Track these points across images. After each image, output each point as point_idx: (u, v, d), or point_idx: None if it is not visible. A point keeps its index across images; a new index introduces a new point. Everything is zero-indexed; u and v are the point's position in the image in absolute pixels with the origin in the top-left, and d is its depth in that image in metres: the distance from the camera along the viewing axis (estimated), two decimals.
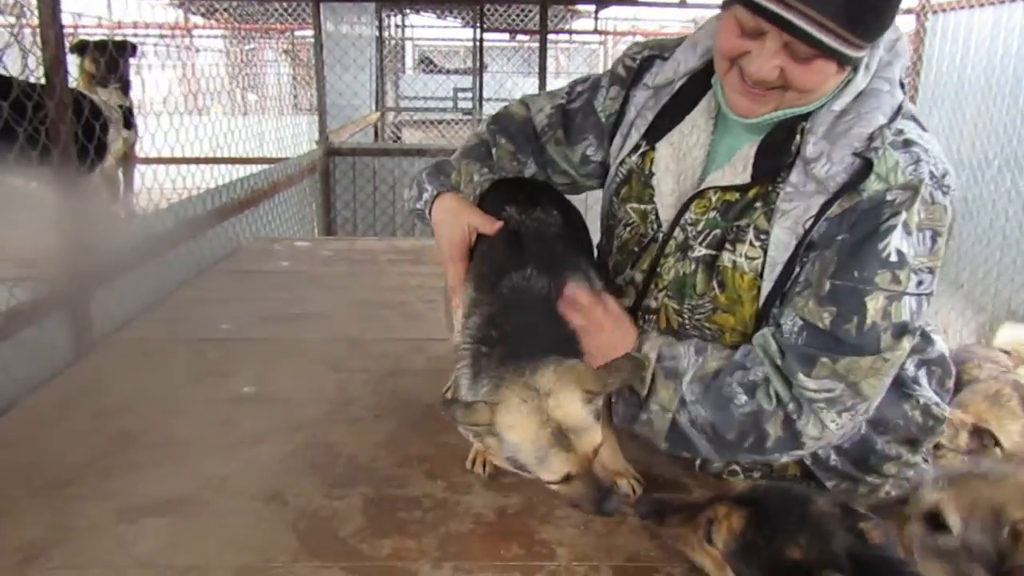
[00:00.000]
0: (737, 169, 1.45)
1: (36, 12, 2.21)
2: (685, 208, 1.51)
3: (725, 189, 1.47)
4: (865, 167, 1.33)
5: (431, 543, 1.40)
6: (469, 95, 11.51)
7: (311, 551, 1.37)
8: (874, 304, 1.31)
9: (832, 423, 1.37)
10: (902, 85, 1.44)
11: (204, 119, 4.84)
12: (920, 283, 1.34)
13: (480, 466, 1.78)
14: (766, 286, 1.42)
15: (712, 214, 1.48)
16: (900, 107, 1.39)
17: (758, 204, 1.43)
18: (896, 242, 1.31)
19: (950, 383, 1.66)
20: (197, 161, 4.78)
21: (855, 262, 1.33)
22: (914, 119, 1.41)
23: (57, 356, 2.17)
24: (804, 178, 1.38)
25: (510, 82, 12.77)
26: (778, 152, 1.42)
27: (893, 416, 1.56)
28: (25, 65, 2.70)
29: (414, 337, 2.45)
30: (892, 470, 1.61)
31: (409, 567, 1.33)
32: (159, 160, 4.50)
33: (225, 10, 10.20)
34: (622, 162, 1.65)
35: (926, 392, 1.59)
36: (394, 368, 2.20)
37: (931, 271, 1.34)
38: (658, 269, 1.56)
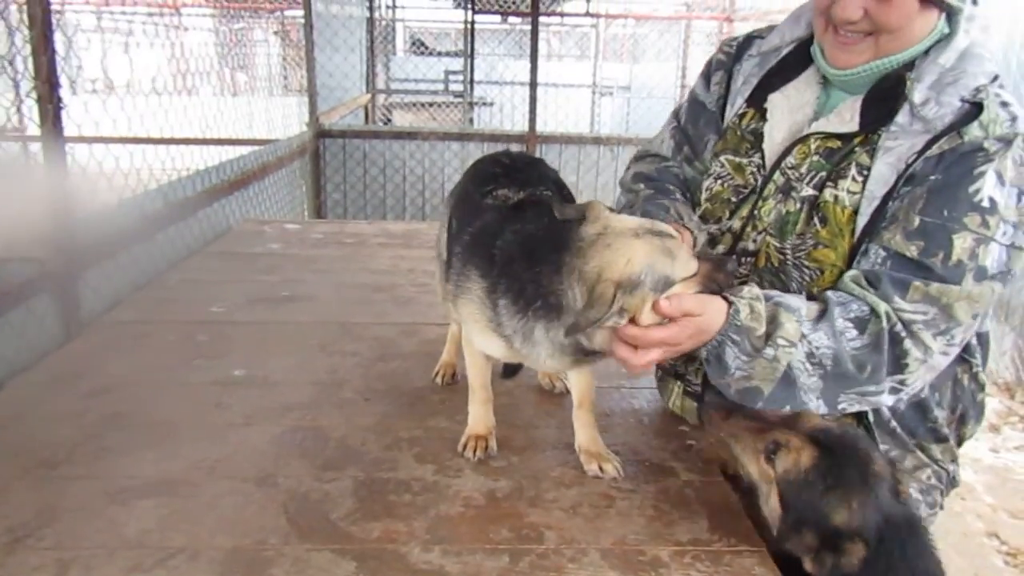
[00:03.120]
0: (844, 118, 1.52)
1: None
2: (787, 153, 1.57)
3: (828, 136, 1.53)
4: (974, 110, 1.40)
5: (421, 526, 1.41)
6: (460, 77, 11.46)
7: (301, 533, 1.38)
8: (961, 243, 1.36)
9: (933, 343, 1.38)
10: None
11: (193, 99, 4.81)
12: (1005, 233, 1.37)
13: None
14: (861, 220, 1.47)
15: (815, 158, 1.54)
16: (996, 76, 1.46)
17: (858, 148, 1.50)
18: (989, 188, 1.36)
19: (982, 397, 1.66)
20: (186, 142, 4.76)
21: (944, 201, 1.38)
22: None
23: (46, 337, 2.17)
24: (910, 119, 1.45)
25: (501, 64, 12.68)
26: (886, 99, 1.48)
27: (945, 377, 1.57)
28: (12, 43, 2.67)
29: (404, 321, 2.45)
30: (937, 454, 1.62)
31: (399, 549, 1.34)
32: (148, 140, 4.48)
33: None
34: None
35: (978, 362, 1.61)
36: (384, 351, 2.21)
37: (1016, 226, 1.38)
38: (756, 212, 1.60)
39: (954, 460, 1.66)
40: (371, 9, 9.69)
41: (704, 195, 1.72)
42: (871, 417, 1.56)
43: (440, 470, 1.60)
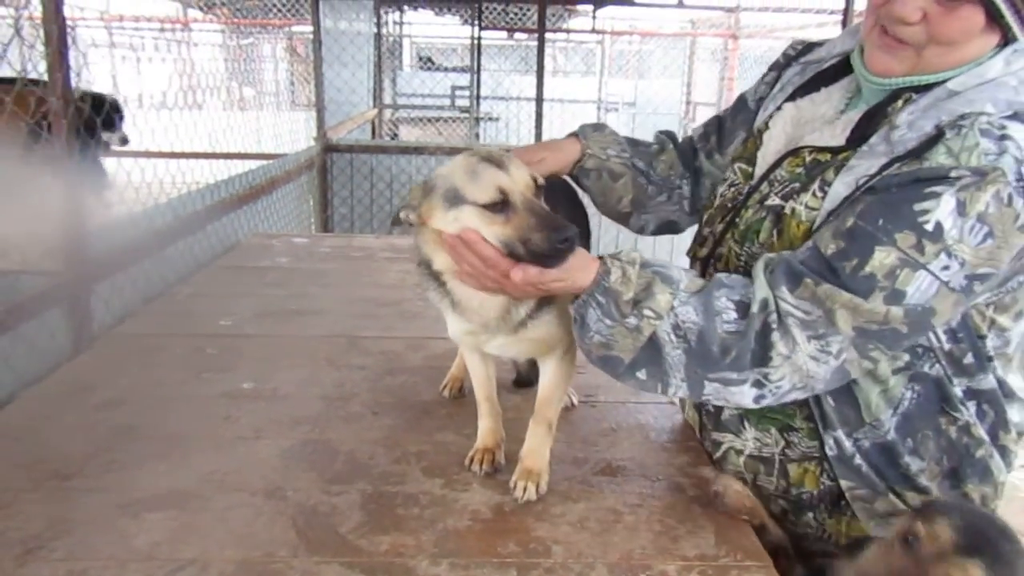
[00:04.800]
0: (836, 131, 1.43)
1: (40, 4, 2.21)
2: (778, 164, 1.52)
3: (820, 150, 1.45)
4: (936, 136, 1.25)
5: (429, 539, 1.42)
6: (466, 93, 11.52)
7: (310, 546, 1.39)
8: (882, 257, 1.22)
9: (803, 343, 1.27)
10: None
11: (202, 114, 4.85)
12: (946, 268, 1.20)
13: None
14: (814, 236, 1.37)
15: (800, 171, 1.47)
16: (1018, 112, 1.24)
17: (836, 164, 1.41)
18: (941, 213, 1.19)
19: (1007, 439, 1.44)
20: (195, 156, 4.79)
21: (884, 211, 1.24)
22: None
23: (57, 349, 2.18)
24: (880, 140, 1.33)
25: (508, 80, 12.77)
26: (876, 116, 1.38)
27: (922, 426, 1.43)
28: (27, 59, 2.70)
29: (411, 335, 2.46)
30: (916, 503, 1.46)
31: (407, 563, 1.35)
32: (158, 154, 4.52)
33: (223, 4, 10.20)
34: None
35: (971, 418, 1.43)
36: (391, 365, 2.22)
37: (964, 265, 1.20)
38: (736, 220, 1.57)
39: None
40: (379, 25, 9.76)
41: (717, 201, 1.68)
42: (832, 450, 1.46)
43: (448, 484, 1.61)
